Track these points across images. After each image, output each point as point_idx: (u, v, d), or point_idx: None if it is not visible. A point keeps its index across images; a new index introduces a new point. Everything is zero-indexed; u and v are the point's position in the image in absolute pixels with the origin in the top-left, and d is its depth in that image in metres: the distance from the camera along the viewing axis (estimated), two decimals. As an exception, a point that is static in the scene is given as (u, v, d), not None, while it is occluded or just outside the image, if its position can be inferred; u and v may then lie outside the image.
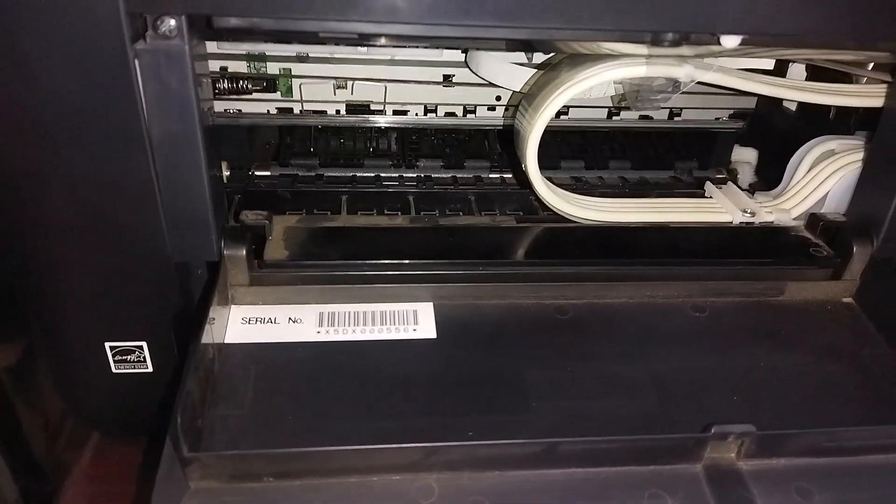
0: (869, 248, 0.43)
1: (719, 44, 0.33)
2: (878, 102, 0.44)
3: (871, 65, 0.46)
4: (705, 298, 0.42)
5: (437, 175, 0.55)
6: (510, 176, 0.55)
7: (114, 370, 0.39)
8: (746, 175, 0.58)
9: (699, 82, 0.43)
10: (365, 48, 0.48)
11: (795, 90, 0.46)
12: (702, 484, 0.31)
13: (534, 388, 0.36)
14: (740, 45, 0.34)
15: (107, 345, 0.39)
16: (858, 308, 0.43)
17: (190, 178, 0.35)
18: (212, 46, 0.47)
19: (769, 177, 0.55)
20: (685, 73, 0.40)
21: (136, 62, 0.31)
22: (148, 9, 0.30)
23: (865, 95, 0.45)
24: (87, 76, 0.31)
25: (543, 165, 0.45)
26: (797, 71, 0.52)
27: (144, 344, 0.39)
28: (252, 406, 0.34)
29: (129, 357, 0.39)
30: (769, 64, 0.48)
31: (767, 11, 0.32)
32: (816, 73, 0.51)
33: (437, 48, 0.50)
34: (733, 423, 0.31)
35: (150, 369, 0.40)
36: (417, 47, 0.50)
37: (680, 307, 0.42)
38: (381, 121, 0.53)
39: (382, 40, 0.44)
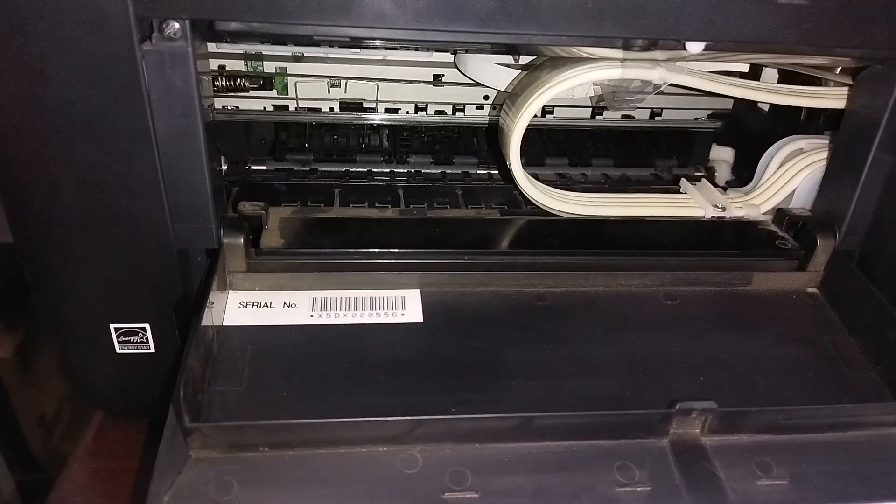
0: (832, 241, 0.44)
1: (685, 49, 0.36)
2: (841, 104, 0.45)
3: (839, 69, 0.47)
4: (677, 287, 0.44)
5: (426, 170, 0.55)
6: (497, 171, 0.56)
7: (118, 350, 0.41)
8: (724, 173, 0.59)
9: (677, 84, 0.44)
10: (358, 49, 0.50)
11: (764, 92, 0.47)
12: (668, 457, 0.33)
13: (513, 368, 0.37)
14: (706, 50, 0.36)
15: (112, 326, 0.40)
16: (822, 297, 0.45)
17: (192, 170, 0.36)
18: (211, 45, 0.48)
19: (745, 174, 0.56)
20: (658, 75, 0.42)
21: (143, 62, 0.32)
22: (155, 13, 0.32)
23: (830, 97, 0.46)
24: (97, 76, 0.32)
25: (529, 162, 0.46)
26: (771, 73, 0.53)
27: (147, 326, 0.40)
28: (249, 383, 0.35)
29: (132, 338, 0.40)
30: (744, 67, 0.49)
31: (728, 20, 0.34)
32: (788, 76, 0.52)
33: (427, 50, 0.51)
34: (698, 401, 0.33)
35: (153, 350, 0.41)
36: (408, 49, 0.51)
37: (653, 295, 0.43)
38: (374, 118, 0.54)
39: (376, 42, 0.45)
